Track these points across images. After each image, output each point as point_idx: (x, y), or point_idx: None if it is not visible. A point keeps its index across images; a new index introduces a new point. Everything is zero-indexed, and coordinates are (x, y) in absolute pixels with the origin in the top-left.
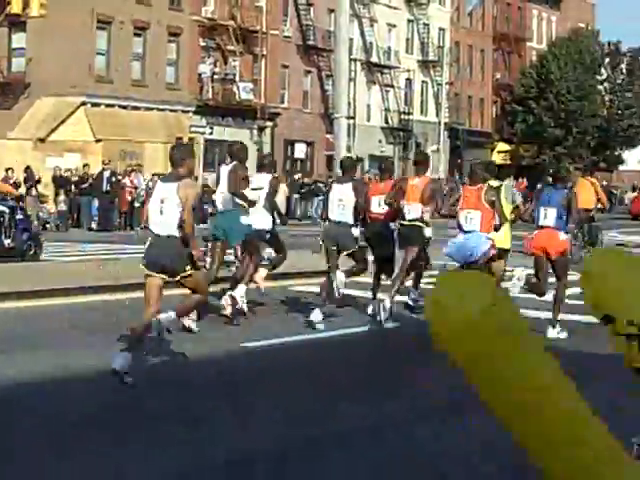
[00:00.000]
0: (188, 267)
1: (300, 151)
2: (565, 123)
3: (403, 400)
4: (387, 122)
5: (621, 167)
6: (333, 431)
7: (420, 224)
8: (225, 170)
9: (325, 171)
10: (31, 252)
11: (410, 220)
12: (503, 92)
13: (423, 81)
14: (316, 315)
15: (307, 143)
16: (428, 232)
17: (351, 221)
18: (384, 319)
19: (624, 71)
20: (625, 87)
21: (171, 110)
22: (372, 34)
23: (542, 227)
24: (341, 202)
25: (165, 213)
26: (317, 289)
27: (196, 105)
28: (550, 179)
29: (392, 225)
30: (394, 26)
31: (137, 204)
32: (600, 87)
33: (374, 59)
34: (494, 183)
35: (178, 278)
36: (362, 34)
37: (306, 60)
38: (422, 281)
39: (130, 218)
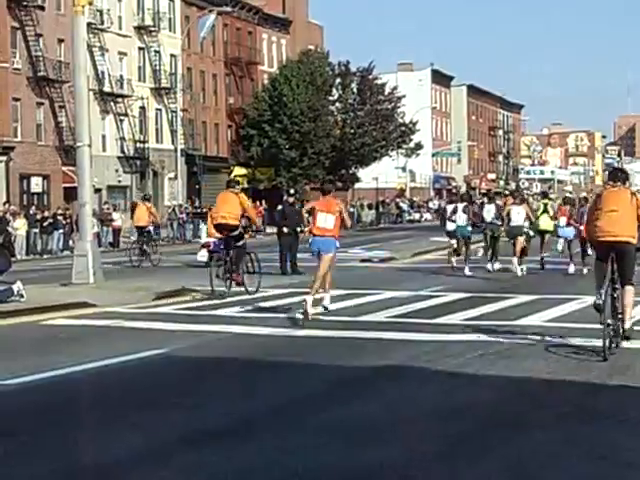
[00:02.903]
0: None
1: (36, 185)
2: (300, 144)
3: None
4: (123, 151)
5: (357, 185)
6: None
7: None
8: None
9: (62, 204)
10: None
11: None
12: (237, 116)
13: (157, 109)
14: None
15: (43, 176)
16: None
17: (522, 223)
18: None
19: (355, 90)
20: (356, 106)
21: None
22: (104, 63)
23: None
24: (518, 215)
25: None
26: (73, 322)
27: None
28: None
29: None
30: (125, 54)
31: None
32: (332, 107)
33: (107, 88)
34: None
35: None
36: (94, 63)
37: (38, 92)
38: None
39: None
